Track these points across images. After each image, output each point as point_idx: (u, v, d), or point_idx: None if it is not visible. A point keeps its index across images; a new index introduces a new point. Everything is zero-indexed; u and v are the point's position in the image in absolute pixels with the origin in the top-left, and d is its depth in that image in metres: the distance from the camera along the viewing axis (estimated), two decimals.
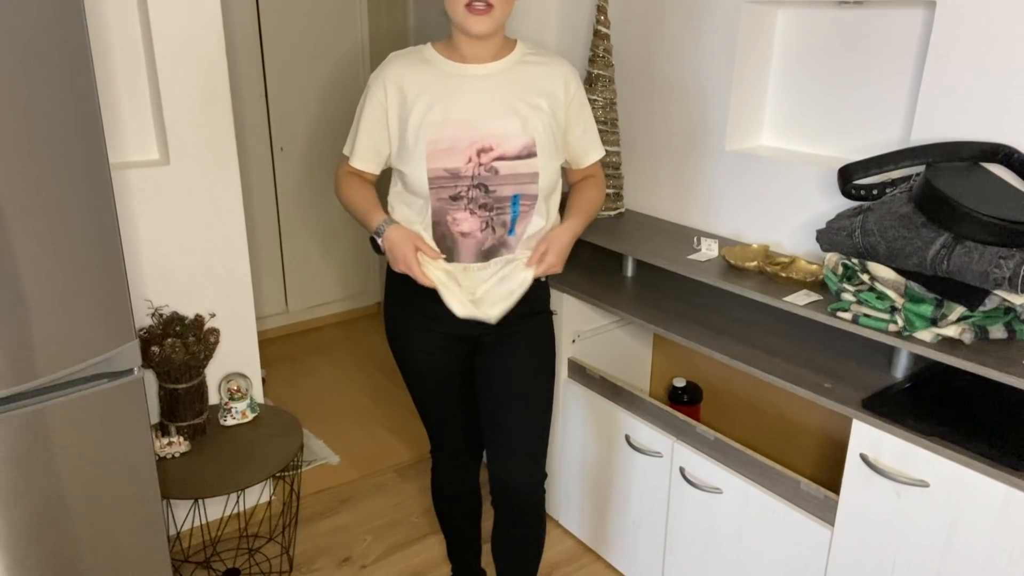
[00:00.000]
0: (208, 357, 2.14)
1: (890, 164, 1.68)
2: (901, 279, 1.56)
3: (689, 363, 2.42)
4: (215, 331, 2.16)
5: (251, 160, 3.59)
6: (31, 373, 1.45)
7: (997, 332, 1.47)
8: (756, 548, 1.80)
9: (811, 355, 1.79)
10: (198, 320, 2.18)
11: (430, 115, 1.55)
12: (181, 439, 2.09)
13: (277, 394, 3.34)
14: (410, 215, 1.63)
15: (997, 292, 1.43)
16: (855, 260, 1.65)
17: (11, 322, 1.40)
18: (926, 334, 1.47)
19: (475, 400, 1.84)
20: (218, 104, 2.15)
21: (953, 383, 1.62)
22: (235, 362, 2.36)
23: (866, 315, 1.55)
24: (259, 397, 2.42)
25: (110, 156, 2.08)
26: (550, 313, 1.78)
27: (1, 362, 1.41)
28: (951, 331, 1.45)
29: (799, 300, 1.67)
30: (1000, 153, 1.57)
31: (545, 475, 1.81)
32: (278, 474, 2.06)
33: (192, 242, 2.20)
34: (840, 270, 1.68)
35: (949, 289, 1.48)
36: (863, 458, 1.54)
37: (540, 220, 1.63)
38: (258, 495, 2.51)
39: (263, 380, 3.35)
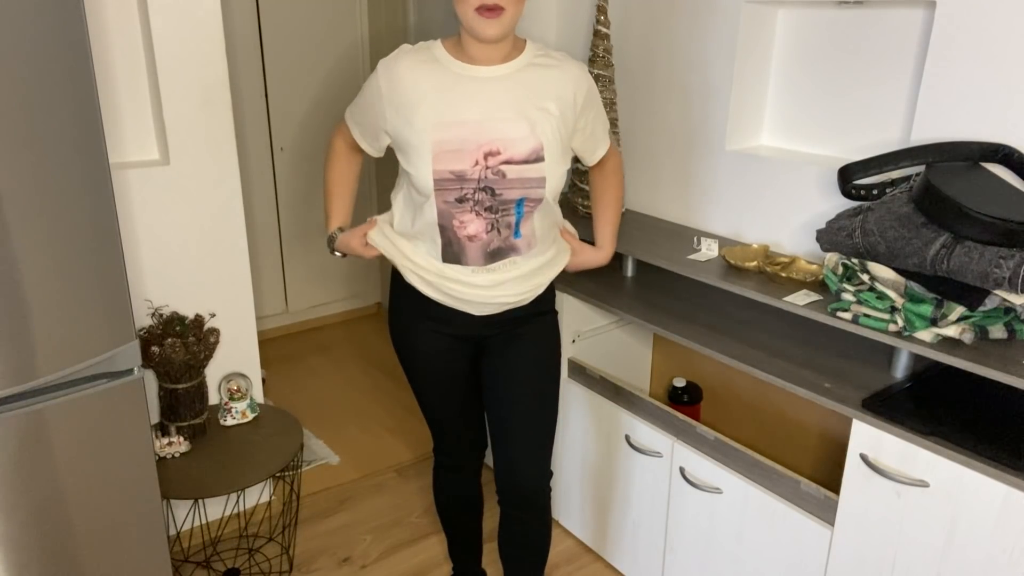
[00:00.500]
0: (208, 357, 2.14)
1: (890, 164, 1.68)
2: (901, 279, 1.56)
3: (689, 363, 2.42)
4: (215, 331, 2.16)
5: (251, 160, 3.59)
6: (31, 373, 1.45)
7: (997, 332, 1.47)
8: (756, 548, 1.80)
9: (811, 355, 1.79)
10: (198, 320, 2.18)
11: (437, 116, 1.52)
12: (181, 439, 2.09)
13: (277, 394, 3.34)
14: (413, 221, 1.61)
15: (997, 292, 1.43)
16: (855, 260, 1.65)
17: (11, 322, 1.40)
18: (926, 334, 1.47)
19: (479, 400, 1.84)
20: (218, 104, 2.15)
21: (953, 383, 1.62)
22: (235, 362, 2.36)
23: (866, 315, 1.55)
24: (259, 397, 2.42)
25: (110, 156, 2.08)
26: (555, 313, 1.78)
27: (1, 362, 1.41)
28: (951, 331, 1.45)
29: (799, 300, 1.67)
30: (1000, 153, 1.57)
31: (551, 473, 1.81)
32: (278, 474, 2.06)
33: (192, 242, 2.20)
34: (840, 270, 1.68)
35: (949, 289, 1.48)
36: (863, 458, 1.54)
37: (542, 219, 1.63)
38: (258, 495, 2.51)
39: (263, 380, 3.35)
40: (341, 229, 1.75)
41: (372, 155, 1.70)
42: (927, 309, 1.48)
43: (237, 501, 2.45)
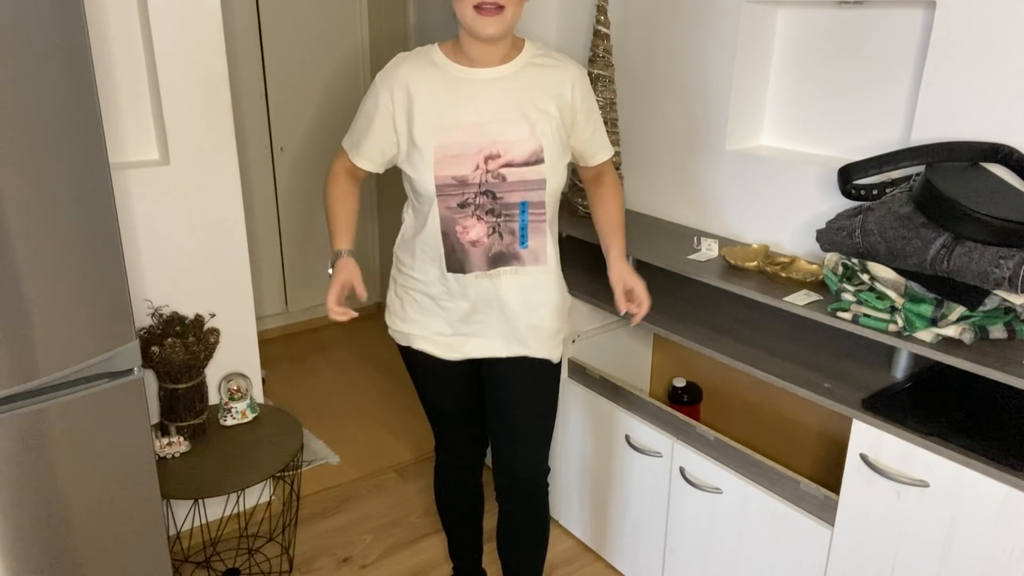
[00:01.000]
0: (208, 357, 2.14)
1: (890, 164, 1.68)
2: (901, 279, 1.56)
3: (689, 363, 2.42)
4: (215, 331, 2.16)
5: (251, 160, 3.59)
6: (32, 373, 1.45)
7: (997, 332, 1.47)
8: (756, 548, 1.80)
9: (811, 355, 1.79)
10: (198, 320, 2.18)
11: (438, 121, 1.52)
12: (181, 439, 2.09)
13: (277, 394, 3.34)
14: (419, 226, 1.61)
15: (997, 292, 1.43)
16: (855, 260, 1.65)
17: (11, 322, 1.40)
18: (926, 334, 1.47)
19: (481, 397, 1.85)
20: (218, 104, 2.15)
21: (953, 383, 1.62)
22: (235, 362, 2.37)
23: (866, 315, 1.55)
24: (259, 397, 2.42)
25: (110, 156, 2.08)
26: None
27: (1, 362, 1.41)
28: (951, 331, 1.45)
29: (799, 300, 1.67)
30: (1000, 153, 1.57)
31: (548, 469, 1.82)
32: (278, 474, 2.06)
33: (192, 242, 2.20)
34: (840, 270, 1.68)
35: (949, 289, 1.48)
36: (863, 458, 1.54)
37: (552, 231, 1.63)
38: (258, 495, 2.51)
39: (263, 380, 3.35)
40: (351, 252, 1.65)
41: (373, 171, 1.67)
42: (927, 309, 1.48)
43: (237, 501, 2.45)
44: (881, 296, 1.56)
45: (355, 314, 1.58)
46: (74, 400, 1.52)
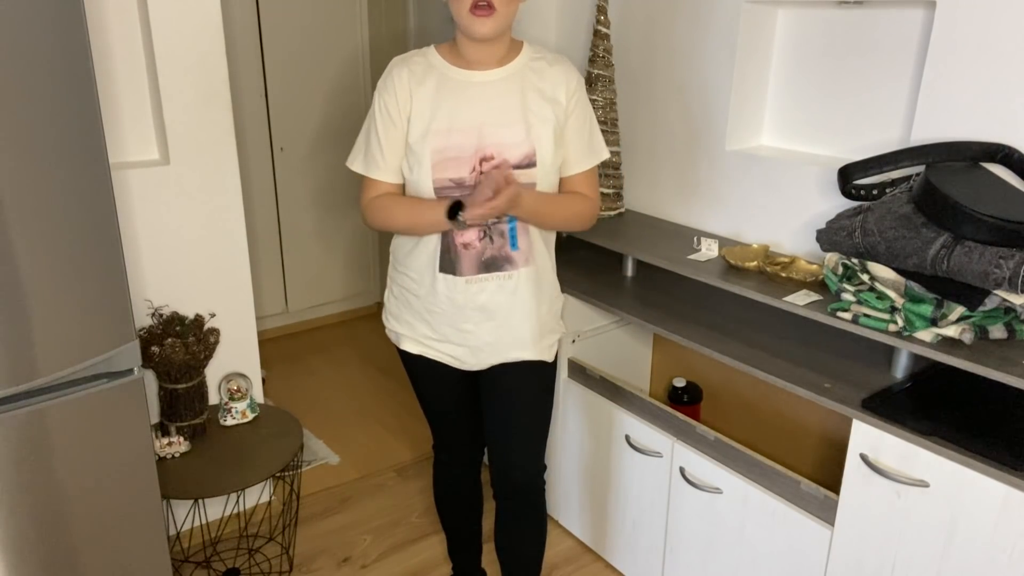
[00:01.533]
0: (208, 357, 2.14)
1: (890, 164, 1.68)
2: (901, 279, 1.56)
3: (689, 363, 2.42)
4: (215, 331, 2.16)
5: (251, 160, 3.59)
6: (31, 373, 1.45)
7: (997, 332, 1.47)
8: (756, 548, 1.80)
9: (811, 355, 1.79)
10: (198, 320, 2.18)
11: (435, 123, 1.52)
12: (181, 439, 2.09)
13: (277, 394, 3.34)
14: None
15: (997, 292, 1.43)
16: (855, 260, 1.65)
17: (11, 322, 1.40)
18: (926, 334, 1.47)
19: (478, 396, 1.85)
20: (218, 104, 2.15)
21: (953, 383, 1.62)
22: (235, 362, 2.36)
23: (866, 315, 1.55)
24: (259, 397, 2.42)
25: (110, 156, 2.08)
26: None
27: (1, 362, 1.41)
28: (951, 331, 1.45)
29: (799, 300, 1.67)
30: (1000, 153, 1.57)
31: (545, 467, 1.82)
32: (278, 474, 2.06)
33: (192, 242, 2.20)
34: (840, 270, 1.68)
35: (949, 289, 1.48)
36: (863, 458, 1.54)
37: (536, 231, 1.62)
38: (258, 495, 2.51)
39: (263, 380, 3.35)
40: (458, 204, 1.49)
41: (398, 181, 1.60)
42: (927, 309, 1.48)
43: (237, 501, 2.45)
44: (881, 296, 1.56)
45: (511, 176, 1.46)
46: (74, 400, 1.52)
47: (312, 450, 2.90)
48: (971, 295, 1.45)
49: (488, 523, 2.45)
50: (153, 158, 2.15)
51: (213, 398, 2.34)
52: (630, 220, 2.32)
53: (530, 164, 1.54)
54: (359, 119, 3.84)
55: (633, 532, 2.15)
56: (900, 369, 1.68)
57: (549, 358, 1.72)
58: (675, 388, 2.32)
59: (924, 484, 1.46)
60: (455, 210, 1.49)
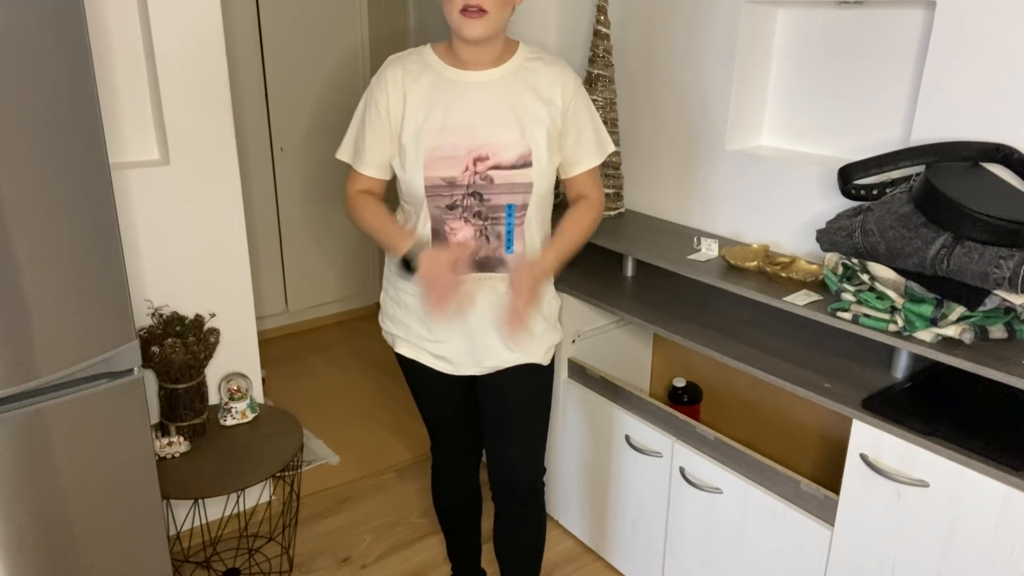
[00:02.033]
0: (208, 357, 2.14)
1: (890, 164, 1.68)
2: (901, 279, 1.56)
3: (689, 363, 2.42)
4: (215, 331, 2.16)
5: (251, 160, 3.59)
6: (31, 373, 1.45)
7: (997, 332, 1.47)
8: (756, 548, 1.80)
9: (811, 355, 1.79)
10: (198, 320, 2.18)
11: (429, 122, 1.53)
12: (181, 439, 2.09)
13: (277, 394, 3.34)
14: (409, 227, 1.61)
15: (997, 292, 1.43)
16: (855, 260, 1.65)
17: (11, 322, 1.40)
18: (926, 334, 1.47)
19: (476, 400, 1.85)
20: (218, 104, 2.15)
21: (953, 383, 1.62)
22: (235, 362, 2.36)
23: (866, 315, 1.55)
24: (259, 397, 2.42)
25: (110, 156, 2.08)
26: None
27: (1, 362, 1.41)
28: (951, 331, 1.45)
29: (799, 300, 1.67)
30: (1000, 153, 1.57)
31: (544, 469, 1.82)
32: (278, 474, 2.06)
33: (192, 242, 2.20)
34: (840, 270, 1.68)
35: (949, 289, 1.48)
36: (863, 458, 1.54)
37: (533, 236, 1.61)
38: (258, 495, 2.51)
39: (263, 380, 3.35)
40: (419, 243, 1.55)
41: (382, 176, 1.63)
42: (927, 309, 1.48)
43: (237, 501, 2.45)
44: (881, 296, 1.56)
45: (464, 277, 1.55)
46: (74, 400, 1.52)
47: (312, 450, 2.90)
48: (971, 295, 1.45)
49: (487, 523, 2.45)
50: (153, 158, 2.15)
51: (213, 398, 2.34)
52: (630, 220, 2.32)
53: (526, 164, 1.54)
54: None
55: (633, 532, 2.15)
56: (900, 369, 1.68)
57: (545, 362, 1.72)
58: (675, 388, 2.32)
59: (924, 484, 1.46)
60: (409, 262, 1.52)
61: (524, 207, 1.57)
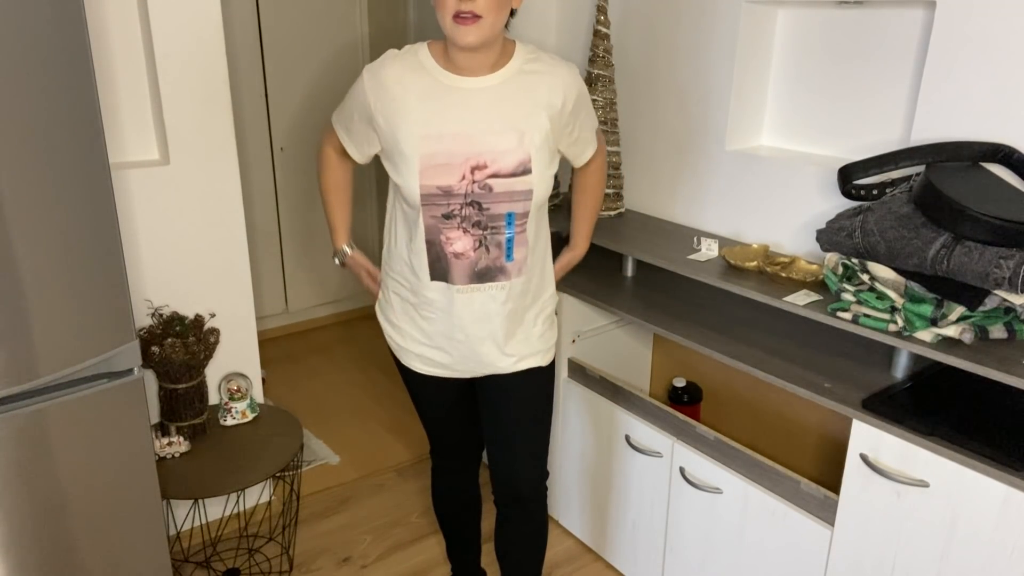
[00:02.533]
0: (208, 357, 2.14)
1: (890, 164, 1.68)
2: (901, 279, 1.56)
3: (689, 363, 2.42)
4: (215, 331, 2.16)
5: (251, 160, 3.59)
6: (32, 373, 1.45)
7: (997, 332, 1.47)
8: (756, 548, 1.80)
9: (811, 355, 1.79)
10: (198, 320, 2.18)
11: (424, 128, 1.48)
12: (181, 439, 2.09)
13: (277, 394, 3.34)
14: (407, 234, 1.59)
15: (997, 292, 1.43)
16: (855, 260, 1.65)
17: (11, 322, 1.40)
18: (926, 334, 1.47)
19: (474, 403, 1.84)
20: (218, 104, 2.15)
21: (953, 383, 1.62)
22: (235, 362, 2.37)
23: (866, 315, 1.55)
24: (259, 397, 2.42)
25: (110, 156, 2.08)
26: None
27: (1, 362, 1.41)
28: (951, 331, 1.45)
29: (799, 300, 1.67)
30: (1000, 153, 1.57)
31: (547, 473, 1.81)
32: (278, 474, 2.06)
33: (192, 242, 2.20)
34: (840, 270, 1.68)
35: (949, 289, 1.48)
36: (863, 458, 1.54)
37: (534, 241, 1.60)
38: (258, 495, 2.51)
39: (263, 380, 3.35)
40: (349, 247, 1.82)
41: (359, 161, 1.66)
42: (927, 309, 1.48)
43: (237, 501, 2.45)
44: (881, 296, 1.56)
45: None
46: (74, 400, 1.52)
47: (312, 450, 2.91)
48: (971, 295, 1.45)
49: (487, 523, 2.45)
50: (153, 158, 2.15)
51: (213, 398, 2.34)
52: (630, 220, 2.32)
53: (525, 172, 1.50)
54: None
55: (633, 532, 2.15)
56: (900, 369, 1.68)
57: (546, 362, 1.71)
58: (675, 388, 2.32)
59: (924, 484, 1.46)
60: (345, 253, 1.82)
61: (524, 215, 1.54)
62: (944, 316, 1.47)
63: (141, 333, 2.10)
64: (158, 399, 2.15)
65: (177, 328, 2.11)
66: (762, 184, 2.04)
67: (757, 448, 2.24)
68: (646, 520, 2.09)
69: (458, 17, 1.40)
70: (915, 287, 1.54)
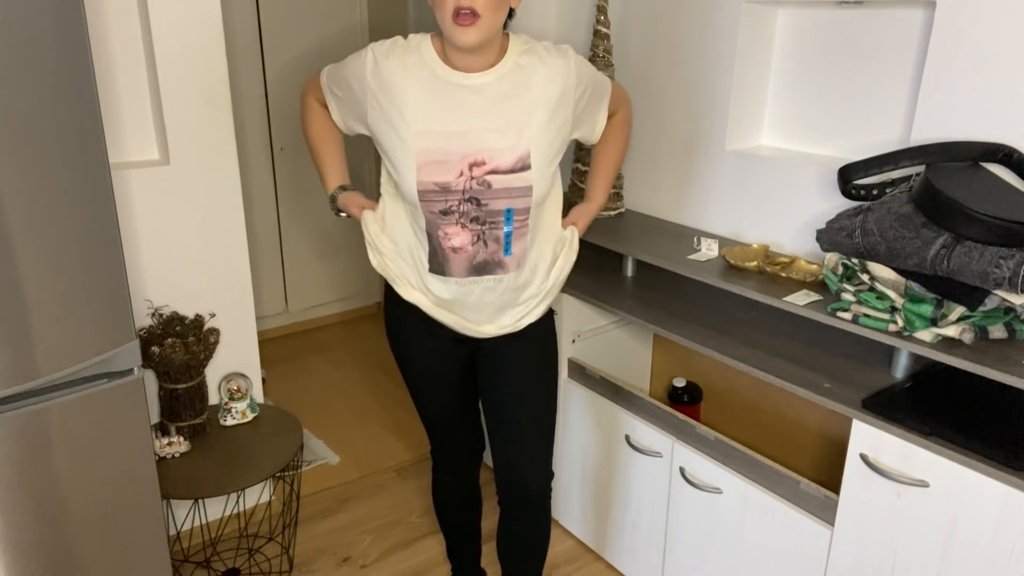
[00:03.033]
0: (208, 357, 2.14)
1: (890, 164, 1.68)
2: (901, 279, 1.56)
3: (689, 363, 2.42)
4: (215, 331, 2.16)
5: (251, 160, 3.59)
6: (32, 373, 1.45)
7: (997, 332, 1.47)
8: (756, 548, 1.80)
9: (811, 355, 1.79)
10: (198, 320, 2.18)
11: (422, 124, 1.48)
12: (181, 439, 2.09)
13: (277, 394, 3.34)
14: (405, 220, 1.59)
15: (997, 292, 1.43)
16: (855, 260, 1.65)
17: (11, 322, 1.40)
18: (926, 334, 1.47)
19: (475, 401, 1.84)
20: (218, 104, 2.15)
21: (953, 383, 1.62)
22: (235, 362, 2.37)
23: (866, 315, 1.55)
24: (259, 397, 2.42)
25: (110, 156, 2.08)
26: (552, 312, 1.78)
27: (1, 362, 1.41)
28: (951, 331, 1.45)
29: (799, 300, 1.67)
30: (1000, 153, 1.57)
31: (552, 474, 1.80)
32: (278, 474, 2.06)
33: (192, 242, 2.20)
34: (840, 270, 1.68)
35: (949, 289, 1.48)
36: (863, 458, 1.54)
37: (533, 235, 1.60)
38: (258, 495, 2.51)
39: (263, 380, 3.35)
40: (343, 187, 1.71)
41: (339, 129, 1.66)
42: (927, 309, 1.48)
43: (237, 501, 2.45)
44: (881, 296, 1.56)
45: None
46: (74, 400, 1.52)
47: (312, 450, 2.91)
48: (971, 295, 1.45)
49: (487, 523, 2.46)
50: (153, 158, 2.15)
51: (213, 398, 2.34)
52: (630, 220, 2.32)
53: (524, 168, 1.50)
54: None
55: (633, 532, 2.15)
56: (900, 369, 1.68)
57: (539, 315, 1.70)
58: (675, 388, 2.32)
59: (924, 484, 1.46)
60: (335, 196, 1.70)
61: (524, 211, 1.53)
62: (944, 316, 1.47)
63: (141, 333, 2.10)
64: (158, 399, 2.15)
65: (177, 328, 2.11)
66: (762, 184, 2.04)
67: (757, 448, 2.24)
68: (646, 520, 2.09)
69: (457, 16, 1.39)
70: (915, 287, 1.54)
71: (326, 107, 1.68)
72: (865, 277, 1.61)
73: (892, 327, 1.52)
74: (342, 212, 1.70)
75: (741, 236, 2.13)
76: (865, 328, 1.54)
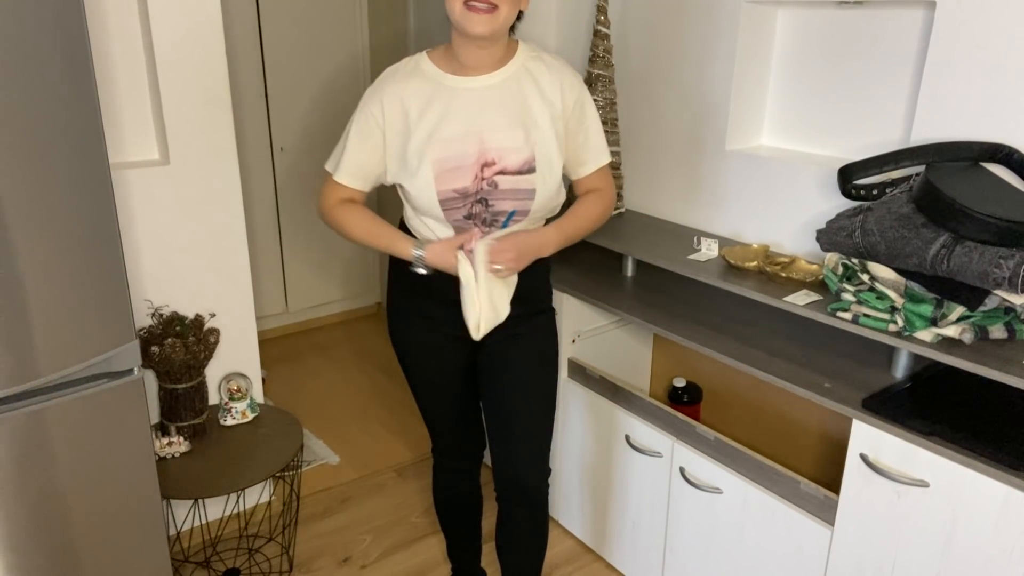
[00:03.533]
0: (208, 357, 2.14)
1: (890, 164, 1.68)
2: (901, 279, 1.56)
3: (689, 363, 2.42)
4: (215, 331, 2.16)
5: (251, 160, 3.59)
6: (31, 373, 1.45)
7: (997, 332, 1.47)
8: (756, 548, 1.80)
9: (811, 355, 1.79)
10: (198, 320, 2.18)
11: (434, 133, 1.49)
12: (181, 439, 2.09)
13: (277, 394, 3.34)
14: (432, 236, 1.60)
15: (997, 292, 1.43)
16: (855, 260, 1.65)
17: (11, 322, 1.40)
18: (926, 334, 1.47)
19: (476, 400, 1.84)
20: (218, 104, 2.15)
21: (953, 383, 1.62)
22: (235, 362, 2.37)
23: (866, 315, 1.55)
24: (259, 397, 2.42)
25: (110, 156, 2.08)
26: (552, 311, 1.78)
27: (1, 362, 1.41)
28: (951, 331, 1.45)
29: (799, 300, 1.67)
30: (1000, 153, 1.57)
31: (550, 471, 1.81)
32: (278, 474, 2.06)
33: (192, 242, 2.20)
34: (840, 270, 1.68)
35: (949, 289, 1.48)
36: (863, 458, 1.54)
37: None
38: (258, 495, 2.51)
39: (263, 380, 3.35)
40: (418, 248, 1.58)
41: (355, 187, 1.60)
42: (927, 309, 1.48)
43: (237, 501, 2.46)
44: (881, 296, 1.56)
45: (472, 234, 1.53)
46: (74, 400, 1.52)
47: (312, 450, 2.91)
48: (971, 295, 1.45)
49: (487, 523, 2.46)
50: (153, 158, 2.15)
51: (213, 398, 2.34)
52: (630, 220, 2.32)
53: (530, 170, 1.52)
54: None
55: (633, 532, 2.15)
56: (900, 369, 1.68)
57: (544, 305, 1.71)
58: (675, 388, 2.32)
59: (924, 484, 1.46)
60: (420, 258, 1.57)
61: (524, 214, 1.55)
62: (944, 316, 1.47)
63: (141, 333, 2.10)
64: (158, 399, 2.15)
65: (177, 328, 2.11)
66: (762, 184, 2.04)
67: (757, 448, 2.24)
68: (646, 520, 2.09)
69: (470, 4, 1.39)
70: (915, 287, 1.54)
71: (347, 201, 1.62)
72: (865, 277, 1.61)
73: (892, 327, 1.52)
74: (420, 269, 1.59)
75: (741, 236, 2.13)
76: (865, 328, 1.54)
